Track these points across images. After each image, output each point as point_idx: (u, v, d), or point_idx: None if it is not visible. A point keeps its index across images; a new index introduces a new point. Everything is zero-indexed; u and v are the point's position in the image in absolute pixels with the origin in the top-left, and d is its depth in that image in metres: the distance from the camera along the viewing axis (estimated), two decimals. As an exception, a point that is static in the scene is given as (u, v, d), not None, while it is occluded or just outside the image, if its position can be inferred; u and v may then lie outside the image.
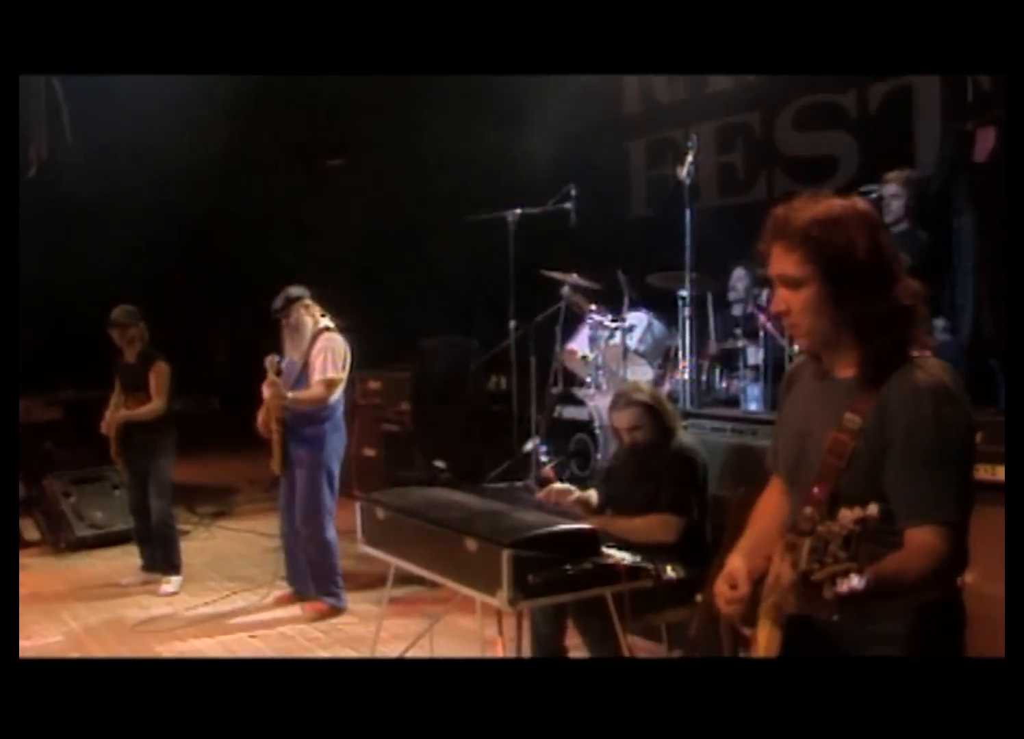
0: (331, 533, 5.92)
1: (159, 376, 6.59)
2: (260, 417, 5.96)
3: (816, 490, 2.13)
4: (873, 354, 2.12)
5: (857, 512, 1.79)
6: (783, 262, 2.16)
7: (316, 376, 5.80)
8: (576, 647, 4.37)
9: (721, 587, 2.30)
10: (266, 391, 5.79)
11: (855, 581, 1.76)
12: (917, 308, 2.15)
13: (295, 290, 5.92)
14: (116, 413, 6.65)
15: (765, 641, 2.14)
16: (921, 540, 2.01)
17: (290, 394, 5.76)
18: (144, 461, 6.65)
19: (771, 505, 2.48)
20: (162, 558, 6.74)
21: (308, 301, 5.92)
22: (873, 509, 1.79)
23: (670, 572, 4.14)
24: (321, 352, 5.83)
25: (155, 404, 6.56)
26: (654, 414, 4.46)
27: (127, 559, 7.24)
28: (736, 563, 2.31)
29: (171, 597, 6.43)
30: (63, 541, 7.73)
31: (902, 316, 2.12)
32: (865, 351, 2.14)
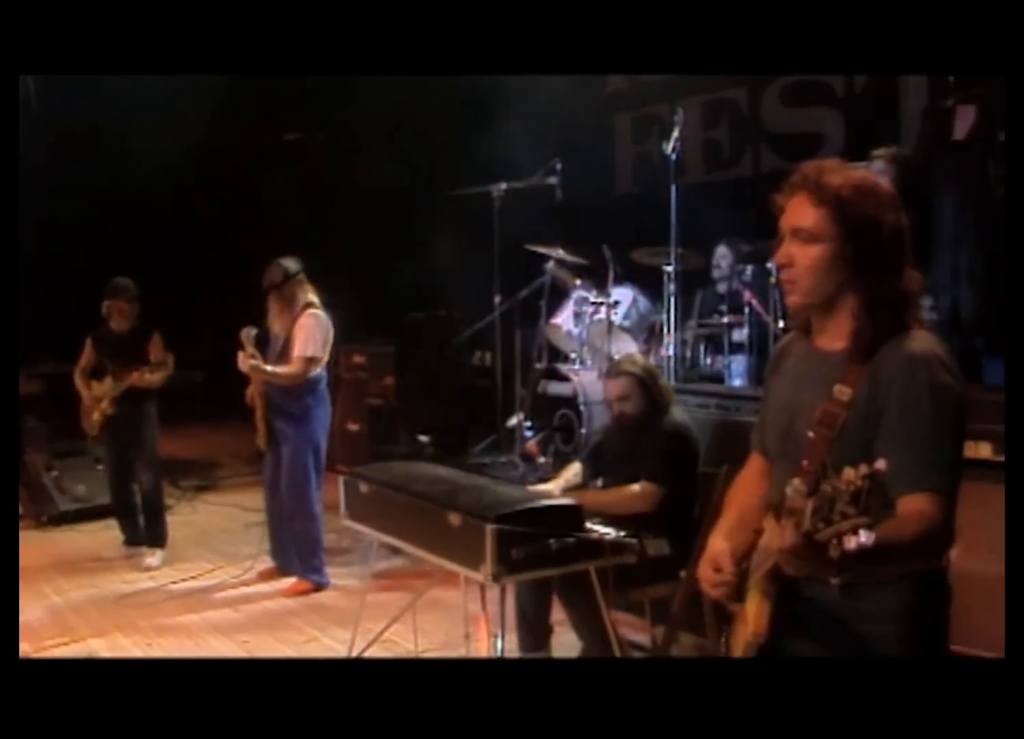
0: (317, 508, 5.92)
1: (159, 346, 6.58)
2: (249, 390, 5.94)
3: (805, 462, 2.13)
4: (872, 330, 2.12)
5: (863, 469, 1.77)
6: (804, 214, 2.14)
7: (296, 352, 5.77)
8: (560, 623, 4.39)
9: (705, 571, 2.29)
10: (242, 364, 5.73)
11: (863, 537, 1.74)
12: (918, 292, 2.18)
13: (293, 265, 5.85)
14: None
15: (755, 614, 2.14)
16: (915, 507, 2.00)
17: (268, 367, 5.73)
18: (130, 433, 6.62)
19: (751, 483, 2.48)
20: (148, 531, 6.74)
21: (302, 276, 5.88)
22: (881, 463, 1.77)
23: (655, 547, 4.15)
24: (303, 328, 5.79)
25: (162, 374, 6.52)
26: (644, 387, 4.46)
27: (109, 533, 7.23)
28: (718, 545, 2.30)
29: (155, 572, 6.42)
30: (45, 515, 7.72)
31: (907, 298, 2.14)
32: (862, 325, 2.14)
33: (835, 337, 2.20)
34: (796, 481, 2.09)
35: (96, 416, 6.63)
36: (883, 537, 1.87)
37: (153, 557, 6.62)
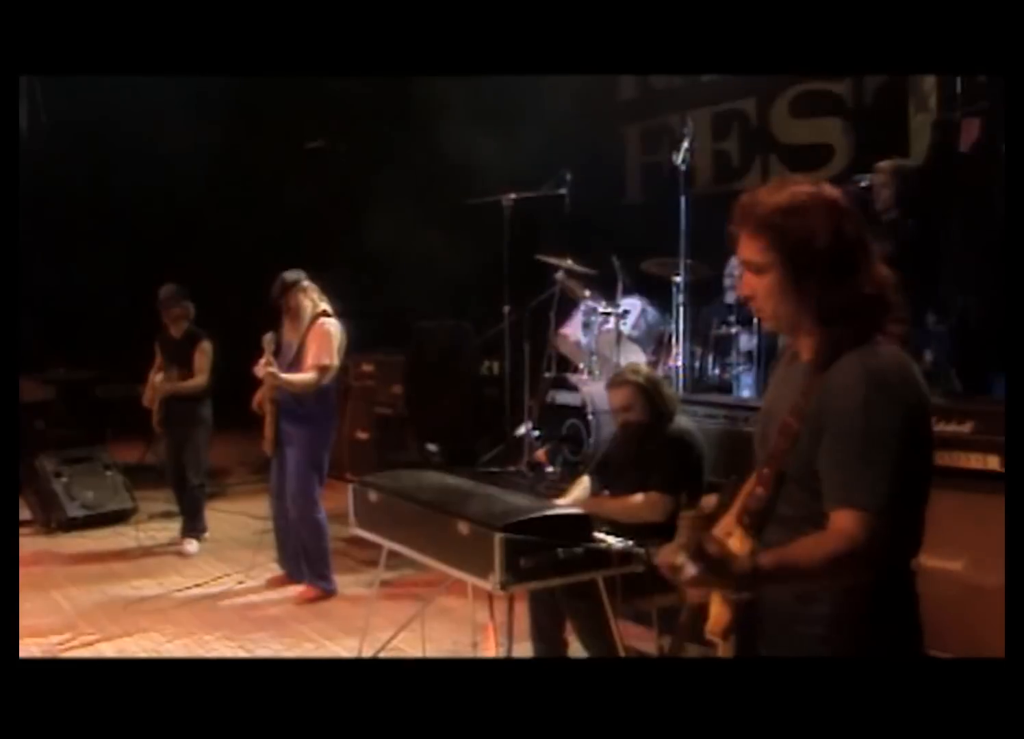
0: (322, 515, 5.93)
1: (203, 353, 7.00)
2: (257, 396, 5.98)
3: (766, 470, 2.18)
4: (828, 340, 2.14)
5: (707, 500, 1.87)
6: (747, 248, 2.19)
7: (310, 361, 5.80)
8: (568, 633, 4.39)
9: (667, 555, 2.33)
10: (260, 370, 5.80)
11: (690, 568, 1.91)
12: (883, 297, 2.15)
13: (291, 275, 5.90)
14: (161, 385, 7.00)
15: (715, 615, 2.21)
16: (837, 524, 2.02)
17: (283, 375, 5.77)
18: (181, 432, 7.03)
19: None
20: (187, 523, 7.19)
21: (306, 284, 5.92)
22: (707, 502, 1.88)
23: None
24: (316, 337, 5.83)
25: (199, 380, 7.00)
26: (647, 396, 4.47)
27: (118, 539, 7.31)
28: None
29: (163, 578, 6.44)
30: (54, 521, 7.74)
31: (862, 304, 2.12)
32: (822, 337, 2.16)
33: (807, 348, 2.23)
34: (759, 490, 2.17)
35: (155, 415, 7.06)
36: (791, 554, 2.01)
37: (191, 545, 7.10)
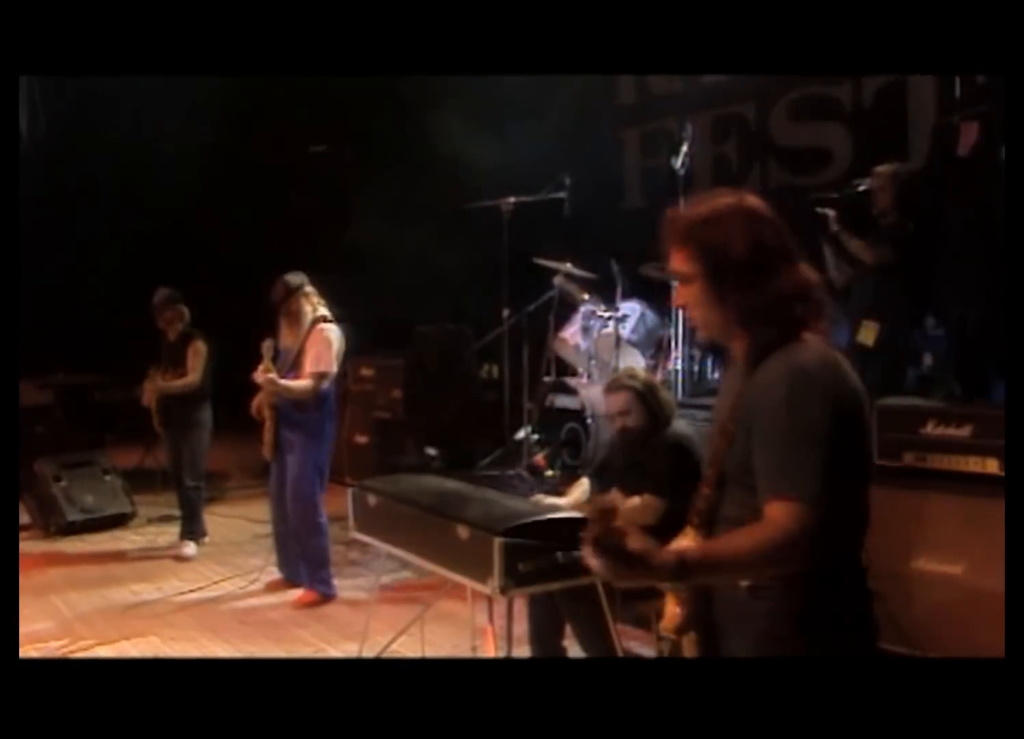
0: (323, 519, 5.93)
1: (196, 354, 7.02)
2: (255, 402, 5.98)
3: (709, 472, 2.26)
4: (754, 342, 2.22)
5: (613, 493, 1.93)
6: (674, 259, 2.29)
7: (308, 368, 5.79)
8: (567, 637, 4.38)
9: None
10: (259, 377, 5.79)
11: (591, 559, 1.97)
12: (805, 297, 2.21)
13: (294, 279, 5.88)
14: (154, 384, 7.05)
15: (669, 614, 2.27)
16: (768, 514, 2.07)
17: (282, 382, 5.76)
18: (179, 434, 7.05)
19: None
20: (186, 526, 7.19)
21: (308, 289, 5.90)
22: (614, 494, 1.94)
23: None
24: (315, 344, 5.82)
25: (189, 379, 6.99)
26: (644, 400, 4.46)
27: (117, 543, 7.32)
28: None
29: (162, 582, 6.44)
30: (53, 525, 7.73)
31: (782, 305, 2.18)
32: (749, 339, 2.23)
33: (739, 351, 2.30)
34: (705, 490, 2.25)
35: (154, 416, 7.12)
36: (718, 545, 2.11)
37: (188, 548, 7.10)
